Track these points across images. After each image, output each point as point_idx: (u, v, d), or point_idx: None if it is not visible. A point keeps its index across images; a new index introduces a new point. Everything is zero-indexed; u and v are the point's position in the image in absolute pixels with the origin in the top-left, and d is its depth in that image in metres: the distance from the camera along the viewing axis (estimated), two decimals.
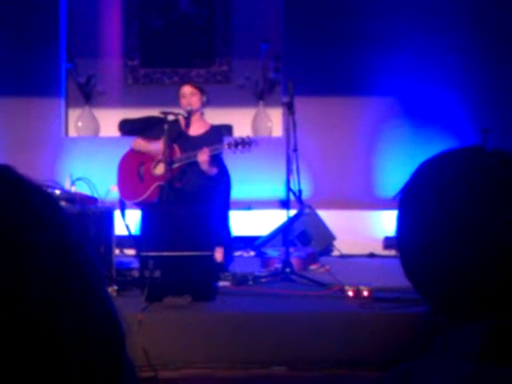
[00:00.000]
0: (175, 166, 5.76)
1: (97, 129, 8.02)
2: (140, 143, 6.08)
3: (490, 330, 0.89)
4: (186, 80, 7.46)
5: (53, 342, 0.60)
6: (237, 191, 6.44)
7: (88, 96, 7.95)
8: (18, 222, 0.63)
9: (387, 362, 3.92)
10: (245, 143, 5.78)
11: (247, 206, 7.39)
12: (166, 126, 5.66)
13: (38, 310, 0.60)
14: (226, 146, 5.79)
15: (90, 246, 0.69)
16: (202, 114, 6.09)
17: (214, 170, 5.83)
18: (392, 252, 6.96)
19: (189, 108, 5.87)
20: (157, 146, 5.88)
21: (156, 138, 5.96)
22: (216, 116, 6.99)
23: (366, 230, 7.33)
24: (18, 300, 0.59)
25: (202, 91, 6.00)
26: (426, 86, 7.69)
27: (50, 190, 5.12)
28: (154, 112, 6.72)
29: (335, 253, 7.12)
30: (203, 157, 5.68)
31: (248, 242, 7.04)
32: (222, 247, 5.81)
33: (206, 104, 6.06)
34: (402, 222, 1.02)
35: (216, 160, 5.86)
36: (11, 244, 0.61)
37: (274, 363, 4.15)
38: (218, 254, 5.64)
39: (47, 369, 0.59)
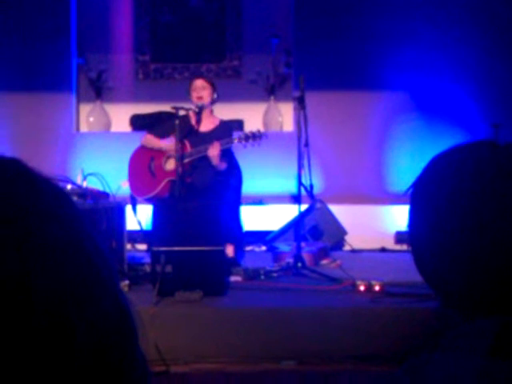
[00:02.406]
0: (186, 160, 5.76)
1: (108, 124, 8.04)
2: (150, 140, 6.05)
3: (501, 326, 0.89)
4: (197, 74, 7.44)
5: (62, 335, 0.60)
6: (248, 186, 6.44)
7: (99, 91, 7.97)
8: (26, 215, 0.62)
9: (398, 357, 3.91)
10: (255, 137, 5.78)
11: (259, 200, 7.39)
12: (176, 122, 5.66)
13: (45, 304, 0.60)
14: (236, 140, 5.79)
15: (101, 240, 0.69)
16: (211, 110, 6.06)
17: (223, 165, 5.83)
18: (403, 247, 6.95)
19: (200, 103, 5.86)
20: (167, 143, 5.88)
21: (166, 133, 5.96)
22: (227, 111, 6.99)
23: (378, 224, 7.32)
24: (25, 294, 0.59)
25: (213, 86, 5.96)
26: (437, 80, 7.66)
27: (61, 185, 5.13)
28: (165, 107, 6.73)
29: (346, 247, 7.11)
30: (214, 151, 5.68)
31: (259, 236, 7.04)
32: (233, 243, 5.80)
33: (216, 100, 6.02)
34: (413, 216, 1.02)
35: (226, 155, 5.86)
36: (20, 237, 0.61)
37: (285, 358, 4.16)
38: (229, 250, 5.65)
39: (56, 362, 0.60)
